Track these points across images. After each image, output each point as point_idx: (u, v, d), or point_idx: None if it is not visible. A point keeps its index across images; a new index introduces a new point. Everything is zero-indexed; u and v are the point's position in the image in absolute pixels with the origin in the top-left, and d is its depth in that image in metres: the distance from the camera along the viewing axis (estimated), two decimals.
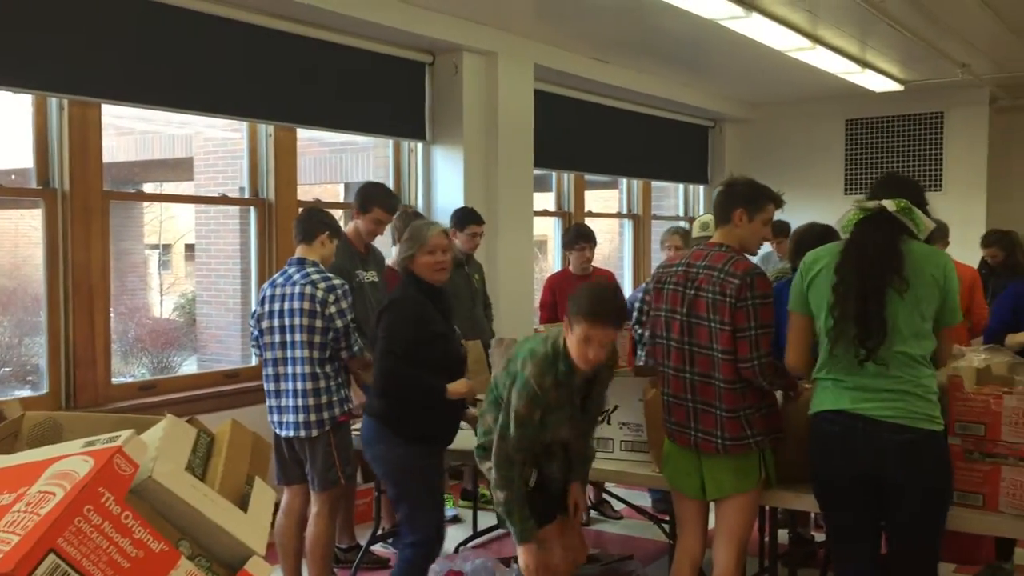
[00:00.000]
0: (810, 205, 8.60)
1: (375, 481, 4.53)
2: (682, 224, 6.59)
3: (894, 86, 8.20)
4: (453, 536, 5.08)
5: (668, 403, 3.36)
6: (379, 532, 4.63)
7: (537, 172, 7.15)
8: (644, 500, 5.35)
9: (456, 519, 5.39)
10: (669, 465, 3.42)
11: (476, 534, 5.11)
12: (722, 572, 3.30)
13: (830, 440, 2.99)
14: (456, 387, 3.56)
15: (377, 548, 4.74)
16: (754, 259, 3.47)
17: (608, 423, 3.84)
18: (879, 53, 7.32)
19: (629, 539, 5.15)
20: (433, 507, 3.65)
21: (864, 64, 7.48)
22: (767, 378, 3.19)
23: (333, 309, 3.83)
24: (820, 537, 4.50)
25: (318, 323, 3.82)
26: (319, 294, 3.84)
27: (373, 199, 4.65)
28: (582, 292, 3.18)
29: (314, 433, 3.85)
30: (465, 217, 5.52)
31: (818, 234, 4.03)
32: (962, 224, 6.85)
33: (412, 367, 3.50)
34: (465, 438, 3.84)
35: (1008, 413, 3.07)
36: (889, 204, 2.91)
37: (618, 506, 5.37)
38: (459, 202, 6.24)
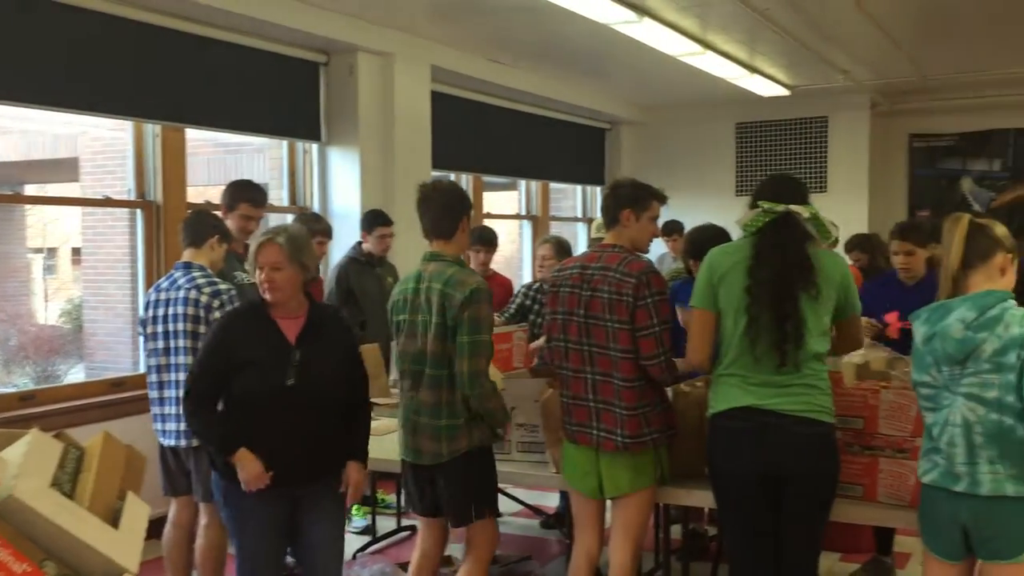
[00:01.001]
0: (703, 206, 8.79)
1: None
2: (556, 234, 6.65)
3: (781, 91, 8.46)
4: (350, 543, 5.01)
5: (567, 404, 3.38)
6: None
7: (435, 174, 7.13)
8: (544, 500, 5.39)
9: (368, 530, 5.19)
10: (568, 465, 3.45)
11: (375, 539, 5.06)
12: (619, 569, 3.35)
13: (738, 437, 3.02)
14: (239, 459, 3.02)
15: None
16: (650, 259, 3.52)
17: None
18: (766, 59, 7.55)
19: (527, 539, 5.17)
20: (239, 548, 3.22)
21: (752, 69, 7.70)
22: (672, 374, 3.27)
23: (218, 315, 3.72)
24: (713, 531, 4.60)
25: (202, 329, 3.70)
26: (203, 299, 3.73)
27: (238, 195, 4.49)
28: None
29: (195, 442, 3.71)
30: (374, 219, 5.46)
31: (711, 236, 4.13)
32: (846, 224, 7.07)
33: (206, 394, 3.12)
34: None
35: (885, 407, 3.19)
36: (801, 211, 3.03)
37: (515, 507, 5.37)
38: (356, 204, 6.18)
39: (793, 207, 3.04)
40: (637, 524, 3.36)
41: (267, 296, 3.10)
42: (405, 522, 5.22)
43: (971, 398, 2.60)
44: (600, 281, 3.26)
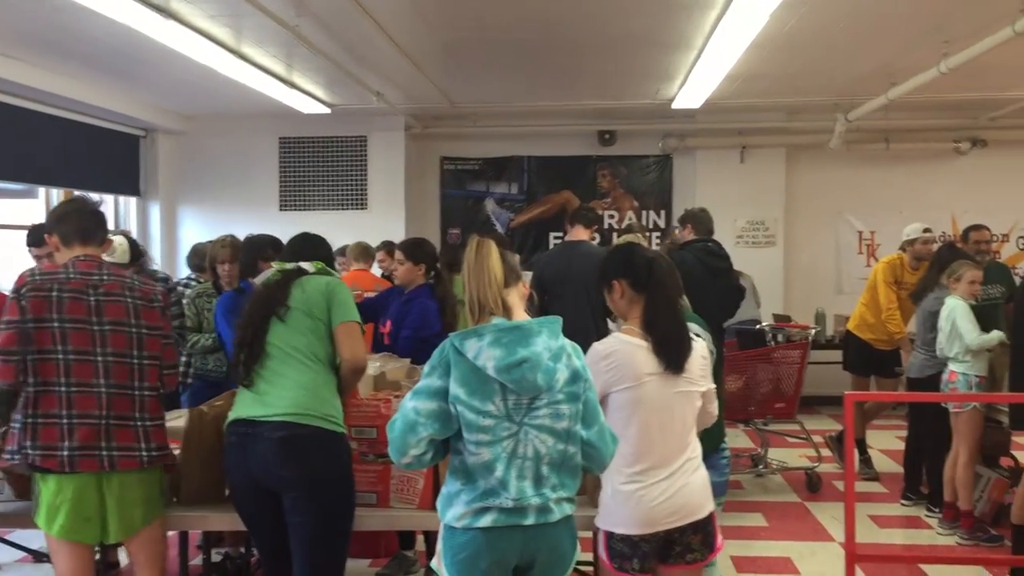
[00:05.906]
0: (246, 218, 8.69)
1: None
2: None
3: (321, 109, 8.59)
4: None
5: (68, 425, 3.01)
6: None
7: None
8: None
9: None
10: (58, 513, 3.03)
11: None
12: None
13: (232, 448, 3.12)
14: None
15: None
16: None
17: None
18: (305, 76, 7.62)
19: None
20: None
21: (291, 85, 7.72)
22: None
23: None
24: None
25: None
26: None
27: None
28: None
29: None
30: None
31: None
32: (385, 239, 7.46)
33: None
34: None
35: None
36: (308, 266, 3.37)
37: (18, 554, 4.81)
38: None
39: (303, 264, 3.37)
40: (162, 555, 3.22)
41: None
42: None
43: (542, 429, 2.45)
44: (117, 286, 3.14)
